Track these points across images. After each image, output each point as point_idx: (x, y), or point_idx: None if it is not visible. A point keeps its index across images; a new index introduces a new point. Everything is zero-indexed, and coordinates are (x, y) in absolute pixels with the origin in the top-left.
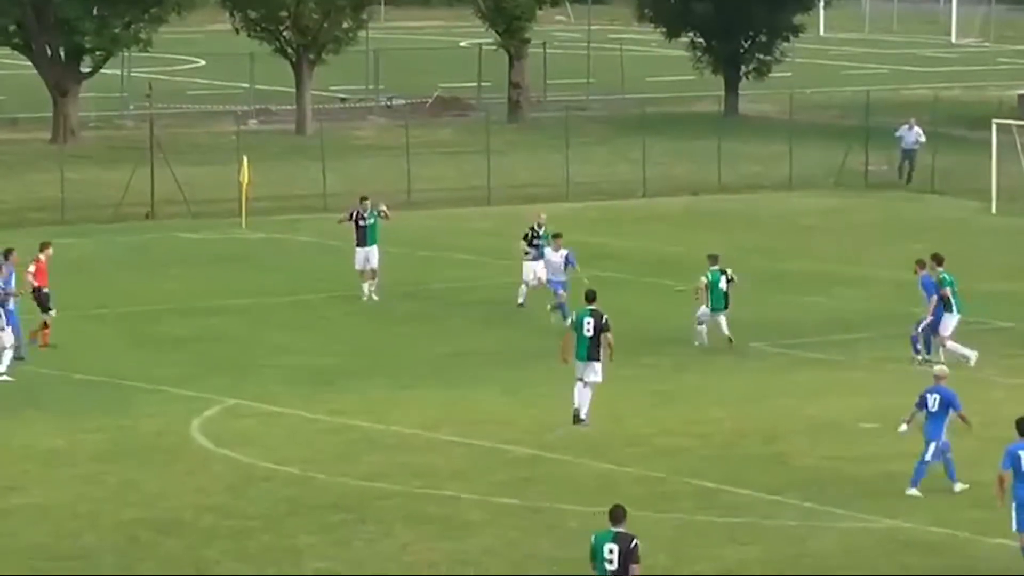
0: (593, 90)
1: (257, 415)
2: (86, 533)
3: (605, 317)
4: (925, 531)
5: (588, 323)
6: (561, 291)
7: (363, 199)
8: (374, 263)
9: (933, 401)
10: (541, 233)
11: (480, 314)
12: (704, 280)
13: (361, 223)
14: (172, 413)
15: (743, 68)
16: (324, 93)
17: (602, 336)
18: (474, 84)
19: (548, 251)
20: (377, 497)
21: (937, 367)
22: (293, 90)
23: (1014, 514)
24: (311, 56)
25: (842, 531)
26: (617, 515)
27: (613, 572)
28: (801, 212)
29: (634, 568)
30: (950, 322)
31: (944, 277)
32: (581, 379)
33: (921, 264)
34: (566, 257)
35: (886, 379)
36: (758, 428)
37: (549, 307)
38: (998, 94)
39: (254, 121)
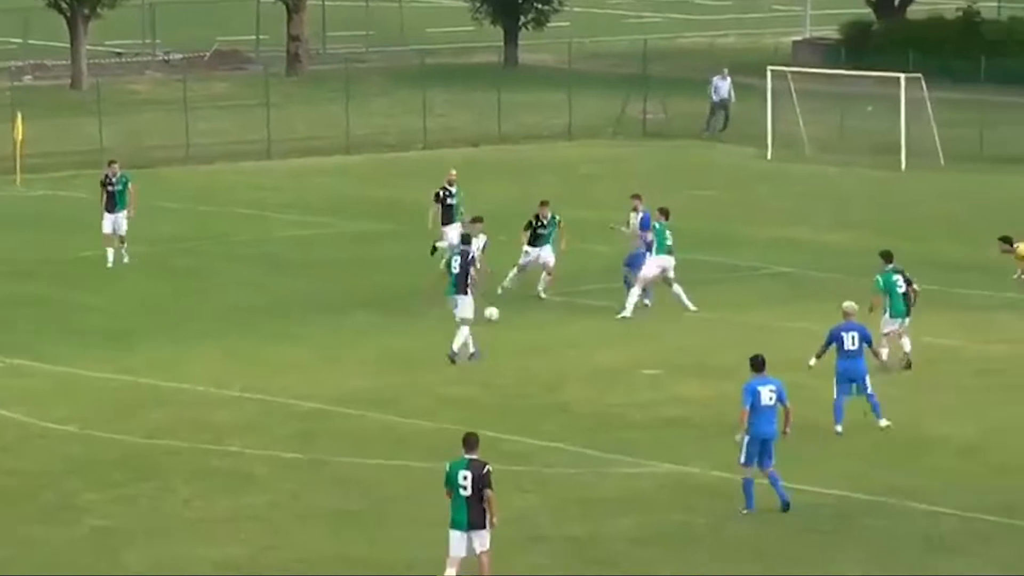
0: (372, 42)
1: (37, 374)
2: None
3: (472, 254)
4: (707, 475)
5: (456, 261)
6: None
7: (111, 163)
8: (122, 230)
9: (851, 339)
10: (453, 191)
11: (263, 268)
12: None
13: (110, 188)
14: None
15: (522, 18)
16: (100, 48)
17: (469, 272)
18: (252, 37)
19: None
20: (161, 453)
21: (846, 303)
22: (68, 45)
23: (744, 448)
24: (85, 11)
25: (626, 476)
26: (470, 442)
27: (467, 498)
28: (581, 161)
29: (488, 493)
30: (652, 264)
31: (656, 226)
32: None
33: (637, 197)
34: (484, 243)
35: (666, 325)
36: (542, 377)
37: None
38: (773, 41)
39: (29, 77)
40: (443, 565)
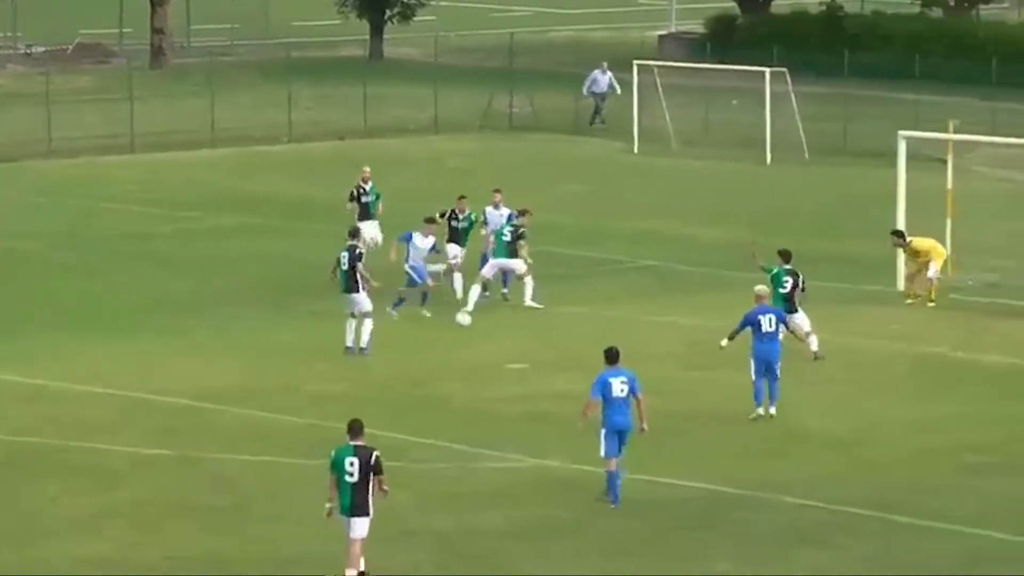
0: (238, 35)
1: None
2: None
3: (359, 250)
4: (568, 469)
5: (344, 257)
6: (429, 280)
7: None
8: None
9: (768, 321)
10: (368, 189)
11: (132, 263)
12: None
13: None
14: None
15: (387, 12)
16: None
17: (357, 267)
18: (116, 30)
19: (417, 236)
20: (24, 451)
21: (757, 287)
22: None
23: (603, 441)
24: None
25: (492, 471)
26: (355, 429)
27: (353, 484)
28: (448, 155)
29: (380, 478)
30: (489, 265)
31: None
32: (352, 313)
33: (498, 192)
34: (433, 245)
35: (531, 321)
36: (409, 372)
37: (389, 308)
38: (639, 35)
39: None
40: (313, 562)
